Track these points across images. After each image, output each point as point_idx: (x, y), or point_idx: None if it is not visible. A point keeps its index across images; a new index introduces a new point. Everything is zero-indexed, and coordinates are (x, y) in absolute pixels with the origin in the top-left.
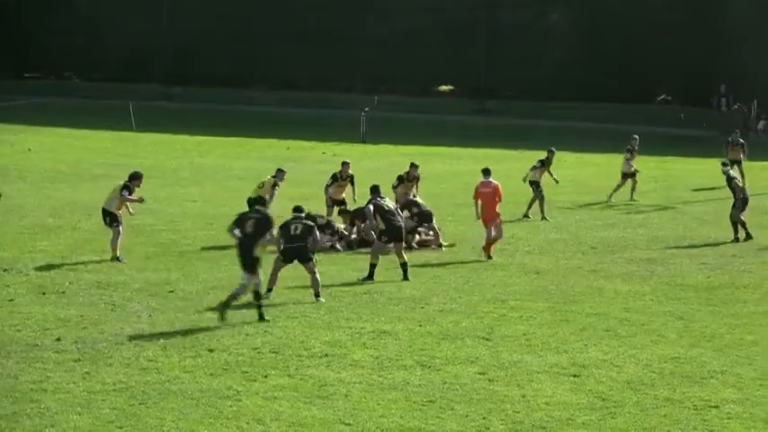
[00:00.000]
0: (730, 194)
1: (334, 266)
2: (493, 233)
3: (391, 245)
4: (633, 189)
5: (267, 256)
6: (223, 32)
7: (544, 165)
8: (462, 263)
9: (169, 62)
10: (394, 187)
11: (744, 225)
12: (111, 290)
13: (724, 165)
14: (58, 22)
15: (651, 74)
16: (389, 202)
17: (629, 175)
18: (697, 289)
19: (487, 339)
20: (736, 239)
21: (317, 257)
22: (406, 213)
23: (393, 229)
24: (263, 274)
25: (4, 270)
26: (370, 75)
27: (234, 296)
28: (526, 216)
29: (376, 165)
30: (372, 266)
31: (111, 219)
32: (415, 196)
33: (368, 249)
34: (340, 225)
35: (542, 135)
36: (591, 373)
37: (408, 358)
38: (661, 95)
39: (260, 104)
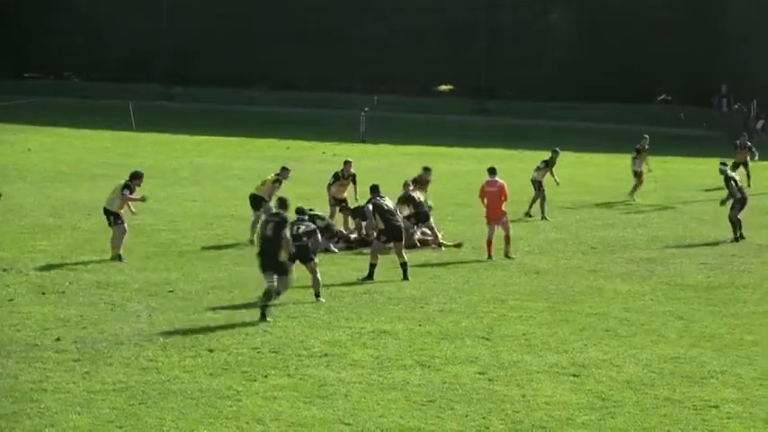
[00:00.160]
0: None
1: (334, 266)
2: (502, 232)
3: (391, 244)
4: (635, 188)
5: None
6: (223, 32)
7: (548, 165)
8: (462, 263)
9: (169, 62)
10: (410, 189)
11: (740, 226)
12: (110, 290)
13: (723, 165)
14: (58, 22)
15: (651, 74)
16: (389, 202)
17: (639, 173)
18: (697, 289)
19: (487, 339)
20: (736, 239)
21: (316, 259)
22: (405, 212)
23: (392, 229)
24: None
25: (4, 270)
26: (370, 75)
27: (268, 295)
28: (528, 214)
29: (376, 164)
30: (372, 266)
31: (114, 218)
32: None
33: (368, 249)
34: (339, 226)
35: (542, 135)
36: (591, 372)
37: (408, 358)
38: (661, 95)
39: (260, 104)
